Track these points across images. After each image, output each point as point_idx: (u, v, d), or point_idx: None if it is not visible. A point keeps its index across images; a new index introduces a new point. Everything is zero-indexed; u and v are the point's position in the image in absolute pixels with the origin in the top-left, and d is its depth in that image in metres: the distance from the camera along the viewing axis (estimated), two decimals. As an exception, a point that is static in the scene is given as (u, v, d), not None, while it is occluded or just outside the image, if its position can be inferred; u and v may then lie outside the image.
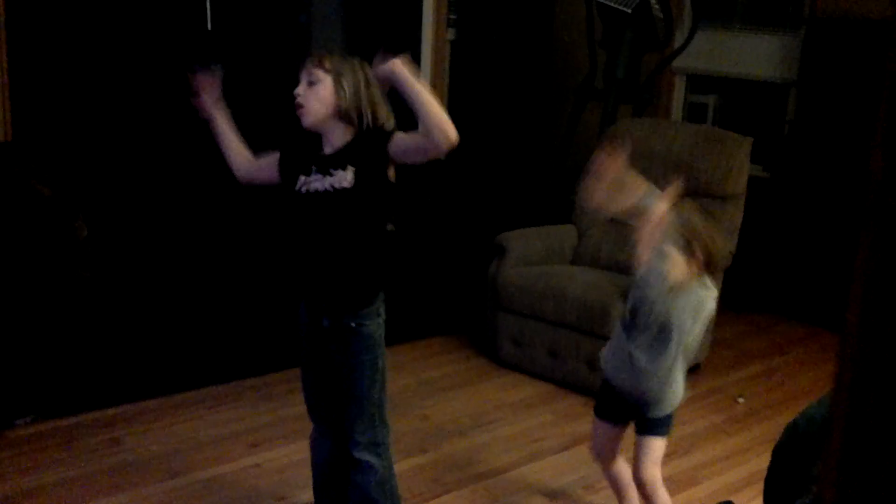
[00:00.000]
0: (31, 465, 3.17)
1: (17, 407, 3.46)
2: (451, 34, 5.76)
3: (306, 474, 3.04)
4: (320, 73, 2.37)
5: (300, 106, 2.38)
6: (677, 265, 2.44)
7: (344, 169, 2.38)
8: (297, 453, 3.33)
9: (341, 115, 2.38)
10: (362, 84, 2.38)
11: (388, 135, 2.39)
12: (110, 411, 3.58)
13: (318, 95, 2.37)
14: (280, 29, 4.98)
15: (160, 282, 4.10)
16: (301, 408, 3.60)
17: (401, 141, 2.36)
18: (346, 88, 2.36)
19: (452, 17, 5.72)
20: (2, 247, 3.54)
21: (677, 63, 5.52)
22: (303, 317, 2.57)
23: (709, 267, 2.48)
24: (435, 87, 5.71)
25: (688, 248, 2.44)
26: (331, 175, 2.39)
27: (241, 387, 3.89)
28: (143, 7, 4.39)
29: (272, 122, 4.65)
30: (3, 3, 3.96)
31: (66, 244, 3.69)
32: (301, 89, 2.39)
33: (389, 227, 2.53)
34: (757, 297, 5.22)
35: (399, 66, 2.28)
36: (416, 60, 5.58)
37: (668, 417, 2.72)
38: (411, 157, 2.36)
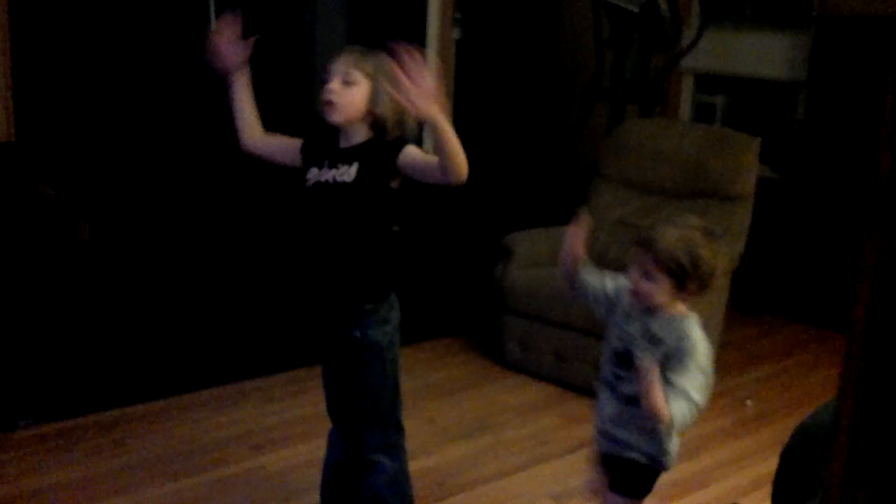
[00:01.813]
0: (33, 467, 3.17)
1: (19, 409, 3.46)
2: (456, 33, 5.74)
3: (310, 477, 3.03)
4: (359, 76, 2.33)
5: (331, 103, 2.33)
6: (665, 293, 2.16)
7: (350, 164, 2.36)
8: (301, 456, 3.32)
9: (370, 120, 2.36)
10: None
11: (400, 145, 2.35)
12: (113, 413, 3.58)
13: (354, 98, 2.33)
14: (284, 28, 4.97)
15: (163, 283, 4.09)
16: (305, 410, 3.63)
17: (413, 158, 2.33)
18: (386, 96, 2.31)
19: (457, 16, 5.70)
20: (4, 248, 3.54)
21: (685, 63, 5.49)
22: (316, 321, 2.56)
23: (702, 291, 2.19)
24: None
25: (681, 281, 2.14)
26: (336, 169, 2.38)
27: (245, 389, 3.88)
28: (147, 6, 4.39)
29: (277, 120, 4.65)
30: (6, 2, 3.96)
31: (69, 245, 3.68)
32: (336, 86, 2.33)
33: (395, 227, 2.50)
34: (765, 298, 5.19)
35: (439, 116, 2.16)
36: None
37: (652, 476, 2.34)
38: (418, 176, 2.33)
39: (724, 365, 4.41)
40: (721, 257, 2.17)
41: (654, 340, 2.16)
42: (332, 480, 2.74)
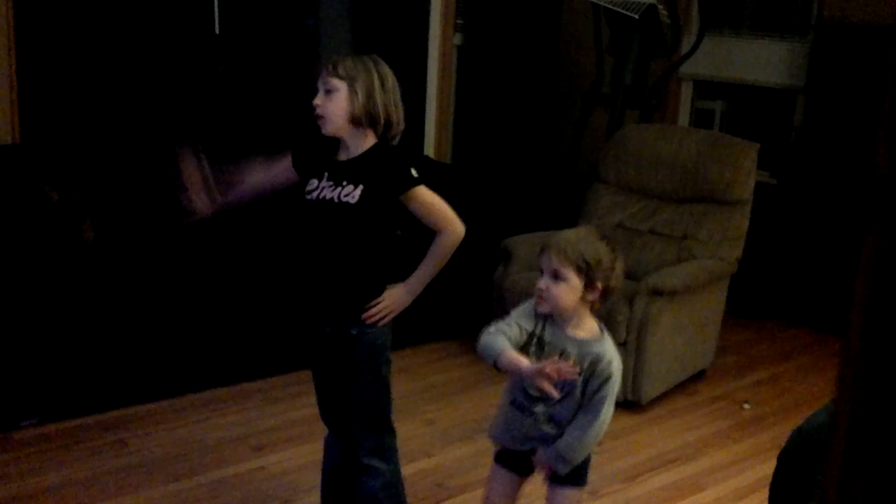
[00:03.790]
0: (36, 467, 3.18)
1: (22, 408, 3.47)
2: (457, 39, 5.77)
3: (311, 477, 3.05)
4: (335, 81, 2.36)
5: (319, 116, 2.38)
6: (574, 292, 2.20)
7: (354, 185, 2.38)
8: (302, 456, 3.34)
9: (355, 121, 2.38)
10: (376, 87, 2.37)
11: (409, 183, 2.39)
12: (115, 413, 3.59)
13: (336, 104, 2.36)
14: (287, 33, 5.00)
15: (166, 285, 4.10)
16: (306, 411, 3.64)
17: (416, 209, 2.42)
18: (360, 94, 2.35)
19: (459, 22, 5.73)
20: (9, 249, 3.55)
21: (684, 69, 5.52)
22: (306, 325, 2.57)
23: (605, 297, 2.25)
24: (441, 92, 5.72)
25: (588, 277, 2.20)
26: (341, 187, 2.39)
27: (246, 390, 3.90)
28: (151, 10, 4.41)
29: (280, 124, 4.67)
30: (12, 5, 3.98)
31: (73, 247, 3.70)
32: (319, 99, 2.38)
33: (397, 232, 2.53)
34: (763, 303, 5.21)
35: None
36: (422, 66, 5.59)
37: (586, 463, 2.38)
38: (417, 217, 2.47)
39: (721, 369, 4.44)
40: (619, 261, 2.23)
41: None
42: (332, 486, 2.76)
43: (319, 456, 2.84)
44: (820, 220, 4.97)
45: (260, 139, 4.63)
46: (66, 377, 3.60)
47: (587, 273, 2.17)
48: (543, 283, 2.22)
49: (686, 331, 4.04)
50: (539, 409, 2.28)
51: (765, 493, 2.43)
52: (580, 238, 2.23)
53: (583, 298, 2.21)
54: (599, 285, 2.19)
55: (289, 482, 3.19)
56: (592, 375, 2.21)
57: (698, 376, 4.29)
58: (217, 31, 4.56)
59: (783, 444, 2.36)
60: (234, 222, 4.52)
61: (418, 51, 5.56)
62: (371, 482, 2.58)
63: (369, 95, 2.36)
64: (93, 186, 4.05)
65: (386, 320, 2.47)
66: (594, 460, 3.38)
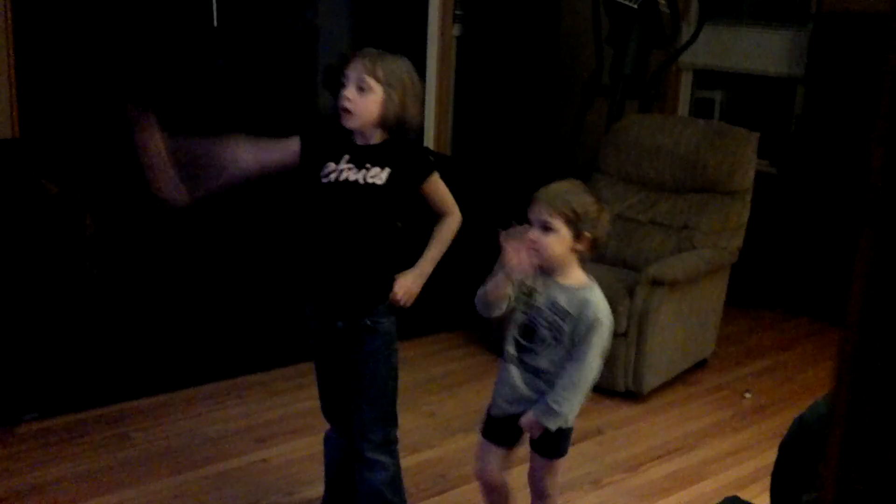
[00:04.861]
0: (38, 461, 3.19)
1: (24, 403, 3.47)
2: (457, 30, 5.76)
3: (314, 469, 3.06)
4: (372, 82, 2.37)
5: (348, 111, 2.38)
6: (563, 242, 2.30)
7: (381, 167, 2.41)
8: (305, 448, 3.34)
9: (383, 124, 2.41)
10: (409, 96, 2.41)
11: (429, 170, 2.48)
12: (117, 407, 3.60)
13: (368, 105, 2.38)
14: (286, 26, 4.99)
15: (167, 278, 4.11)
16: (308, 403, 3.64)
17: (432, 195, 2.51)
18: (395, 101, 2.38)
19: (458, 12, 5.72)
20: (9, 244, 3.56)
21: (684, 58, 5.51)
22: (312, 319, 2.57)
23: (593, 248, 2.35)
24: (440, 83, 5.71)
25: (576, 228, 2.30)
26: (366, 169, 2.41)
27: (248, 382, 3.90)
28: (150, 4, 4.40)
29: (278, 117, 4.66)
30: (11, 2, 3.97)
31: (74, 241, 3.70)
32: (351, 94, 2.37)
33: (398, 223, 2.54)
34: (764, 292, 5.22)
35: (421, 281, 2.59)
36: (421, 57, 5.58)
37: (565, 435, 2.48)
38: (429, 203, 2.54)
39: (722, 358, 4.44)
40: (605, 213, 2.35)
41: (560, 312, 2.32)
42: (337, 480, 2.78)
43: (321, 448, 2.84)
44: (820, 209, 4.97)
45: (260, 133, 4.63)
46: (68, 371, 3.61)
47: (575, 223, 2.28)
48: (534, 234, 2.31)
49: (686, 321, 4.04)
50: (528, 358, 2.37)
51: (766, 483, 2.43)
52: (567, 190, 2.33)
53: (572, 249, 2.31)
54: (587, 235, 2.29)
55: (291, 474, 3.20)
56: (580, 321, 2.29)
57: (699, 366, 4.30)
58: (215, 25, 4.56)
59: (784, 433, 2.36)
60: (234, 215, 4.53)
61: (417, 42, 5.55)
62: (375, 477, 2.60)
63: (403, 105, 2.39)
64: (92, 180, 4.05)
65: (409, 301, 2.53)
66: (594, 450, 3.42)
